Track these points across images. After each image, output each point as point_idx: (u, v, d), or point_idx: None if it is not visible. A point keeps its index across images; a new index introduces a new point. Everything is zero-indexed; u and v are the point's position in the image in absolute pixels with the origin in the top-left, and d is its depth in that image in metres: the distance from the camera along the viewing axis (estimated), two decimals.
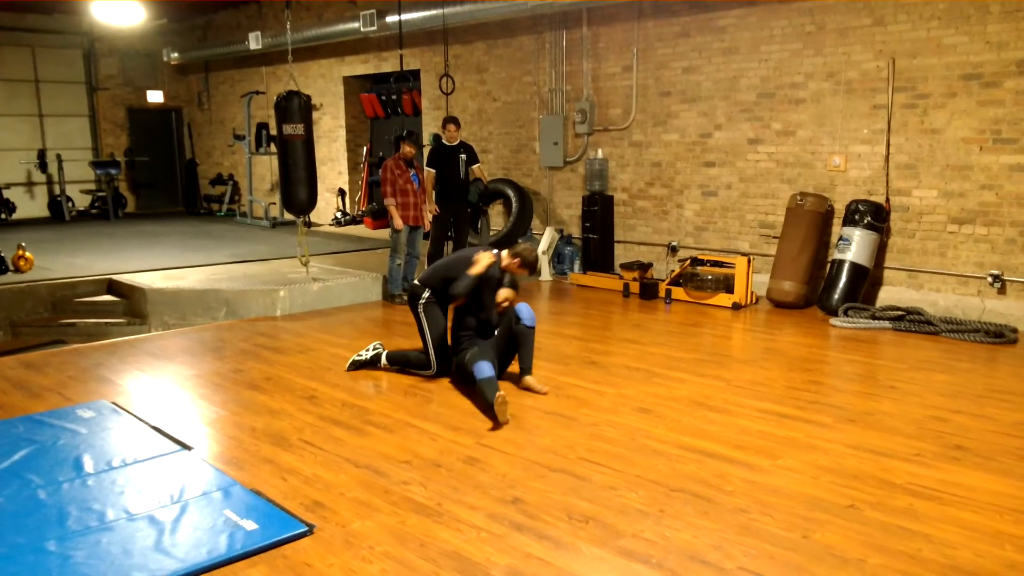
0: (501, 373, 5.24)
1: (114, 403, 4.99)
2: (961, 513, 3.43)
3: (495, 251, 5.40)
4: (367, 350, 5.74)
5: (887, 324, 6.82)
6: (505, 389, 5.20)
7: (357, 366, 5.70)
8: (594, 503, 3.56)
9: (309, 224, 10.68)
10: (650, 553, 3.12)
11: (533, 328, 5.22)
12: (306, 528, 3.30)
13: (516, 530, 3.31)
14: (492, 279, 5.26)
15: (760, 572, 2.96)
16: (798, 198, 7.69)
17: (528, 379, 5.17)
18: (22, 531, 3.29)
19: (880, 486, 3.71)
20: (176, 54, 15.58)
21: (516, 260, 5.36)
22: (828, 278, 7.43)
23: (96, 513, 3.45)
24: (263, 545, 3.16)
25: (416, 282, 5.58)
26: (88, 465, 3.98)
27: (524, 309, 5.22)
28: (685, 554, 3.10)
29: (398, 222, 7.92)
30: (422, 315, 5.42)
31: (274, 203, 14.14)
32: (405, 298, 7.72)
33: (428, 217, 8.26)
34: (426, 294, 5.43)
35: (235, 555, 3.09)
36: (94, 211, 15.34)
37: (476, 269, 5.20)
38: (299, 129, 7.99)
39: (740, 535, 3.25)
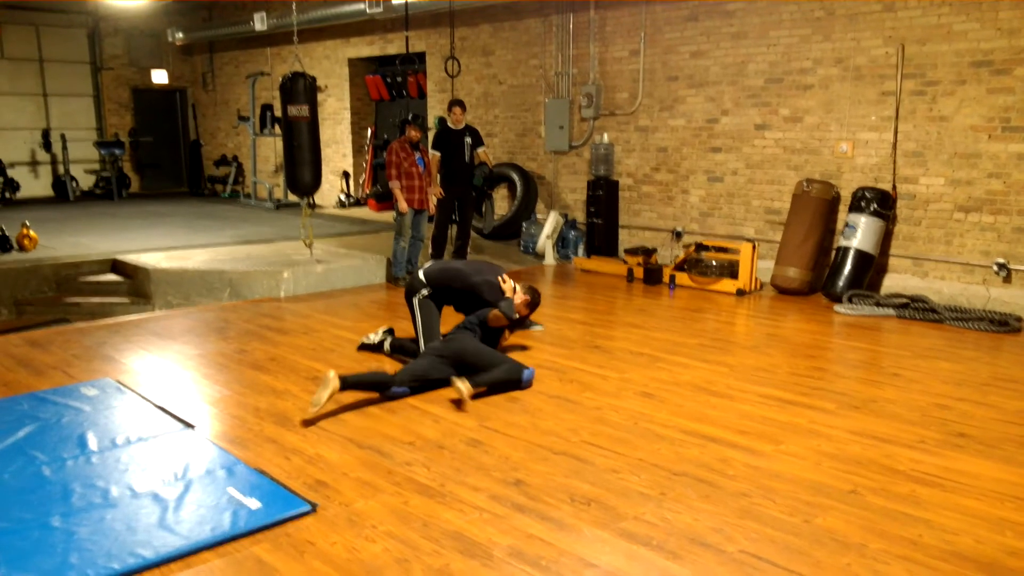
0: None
1: (118, 381, 5.00)
2: (963, 500, 3.43)
3: (510, 280, 5.41)
4: (376, 333, 5.74)
5: (891, 311, 6.80)
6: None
7: (365, 348, 5.73)
8: (596, 486, 3.56)
9: (313, 206, 10.67)
10: (651, 535, 3.12)
11: (520, 384, 4.85)
12: (309, 507, 3.31)
13: (518, 511, 3.32)
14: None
15: (761, 555, 2.97)
16: (804, 184, 7.66)
17: (462, 385, 4.54)
18: (27, 507, 3.31)
19: (882, 472, 3.71)
20: (181, 34, 15.51)
21: (527, 298, 5.38)
22: (833, 265, 7.41)
23: (100, 490, 3.47)
24: (266, 523, 3.18)
25: (421, 276, 5.52)
26: (92, 443, 4.00)
27: (528, 373, 4.89)
28: (686, 537, 3.11)
29: (403, 205, 7.91)
30: (416, 307, 5.45)
31: (278, 184, 14.12)
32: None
33: (433, 200, 8.24)
34: (425, 291, 5.43)
35: (239, 533, 3.11)
36: (98, 191, 15.33)
37: (510, 293, 5.27)
38: (304, 111, 7.97)
39: (741, 519, 3.26)
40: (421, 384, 4.76)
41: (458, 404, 4.55)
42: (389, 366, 5.39)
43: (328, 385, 4.30)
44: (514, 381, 4.81)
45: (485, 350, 4.97)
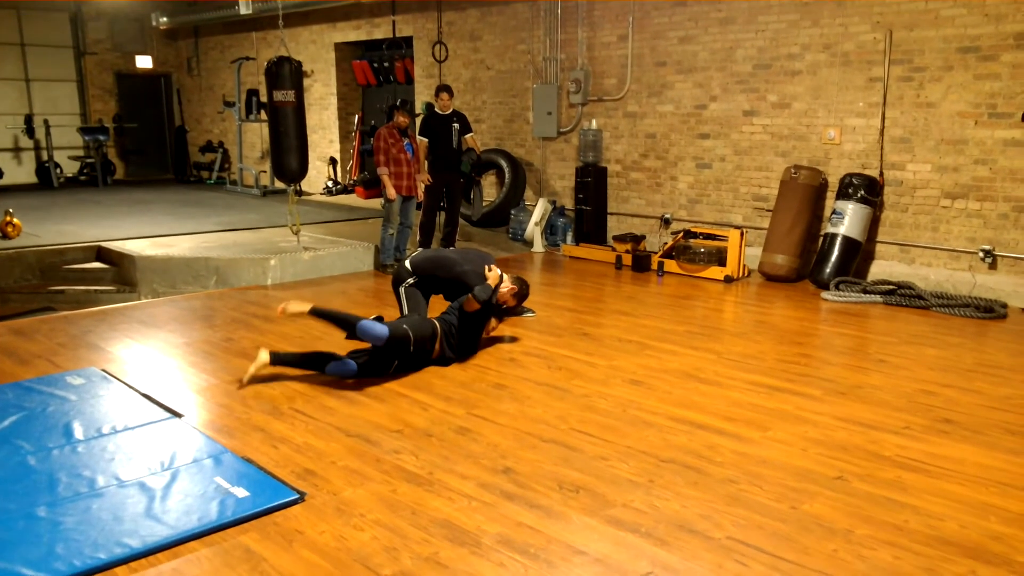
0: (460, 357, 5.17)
1: (104, 370, 4.97)
2: (948, 485, 3.46)
3: (498, 270, 5.35)
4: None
5: (878, 298, 6.83)
6: (498, 362, 5.21)
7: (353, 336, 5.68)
8: (585, 473, 3.57)
9: (300, 193, 10.61)
10: (640, 522, 3.14)
11: (360, 326, 4.68)
12: (297, 496, 3.31)
13: (507, 499, 3.32)
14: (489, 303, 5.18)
15: (748, 542, 2.99)
16: (792, 171, 7.67)
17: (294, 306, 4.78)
18: (12, 497, 3.29)
19: (868, 458, 3.73)
20: (165, 18, 15.34)
21: (514, 288, 5.33)
22: (820, 252, 7.43)
23: (86, 479, 3.45)
24: (254, 512, 3.17)
25: (408, 265, 5.55)
26: (78, 432, 3.97)
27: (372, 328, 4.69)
28: (674, 523, 3.13)
29: (391, 192, 7.87)
30: (403, 295, 5.46)
31: (264, 171, 14.03)
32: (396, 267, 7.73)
33: (421, 187, 8.20)
34: (412, 280, 5.46)
35: (226, 522, 3.09)
36: (82, 178, 15.18)
37: (494, 282, 5.17)
38: (290, 96, 7.90)
39: (729, 505, 3.27)
40: (366, 358, 4.78)
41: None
42: None
43: (256, 364, 4.69)
44: (351, 323, 4.69)
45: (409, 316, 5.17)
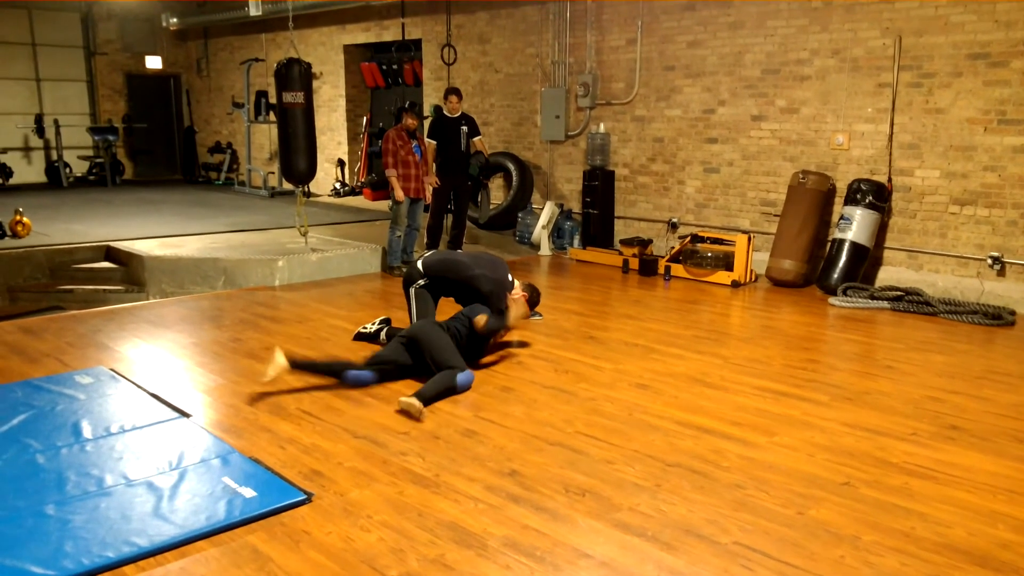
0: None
1: (112, 370, 4.99)
2: (955, 492, 3.45)
3: (518, 286, 5.37)
4: (373, 323, 5.74)
5: (886, 304, 6.82)
6: (505, 365, 5.22)
7: (361, 337, 5.70)
8: (591, 476, 3.57)
9: (308, 194, 10.65)
10: (646, 526, 3.14)
11: (455, 389, 4.57)
12: (304, 496, 3.32)
13: (513, 502, 3.33)
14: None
15: (755, 547, 2.99)
16: (800, 176, 7.66)
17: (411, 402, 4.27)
18: (21, 495, 3.30)
19: (876, 464, 3.73)
20: (175, 19, 15.41)
21: (525, 295, 5.34)
22: (828, 257, 7.42)
23: (95, 478, 3.46)
24: (261, 512, 3.18)
25: (419, 266, 5.54)
26: (87, 431, 3.99)
27: (462, 378, 4.62)
28: (681, 528, 3.12)
29: (399, 193, 7.88)
30: (412, 297, 5.46)
31: (273, 172, 14.06)
32: (404, 270, 7.74)
33: (429, 189, 8.22)
34: (422, 281, 5.45)
35: (234, 522, 3.10)
36: (92, 177, 15.25)
37: (518, 311, 5.18)
38: (299, 97, 7.92)
39: (736, 510, 3.27)
40: (384, 368, 4.75)
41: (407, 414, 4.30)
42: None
43: (275, 366, 4.48)
44: (451, 388, 4.54)
45: (438, 345, 4.72)
